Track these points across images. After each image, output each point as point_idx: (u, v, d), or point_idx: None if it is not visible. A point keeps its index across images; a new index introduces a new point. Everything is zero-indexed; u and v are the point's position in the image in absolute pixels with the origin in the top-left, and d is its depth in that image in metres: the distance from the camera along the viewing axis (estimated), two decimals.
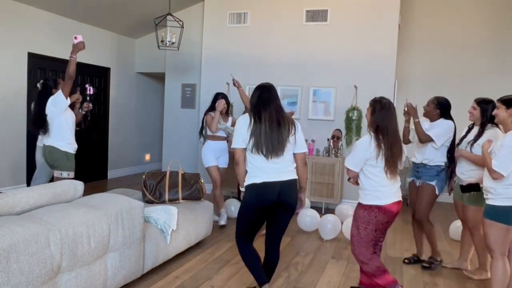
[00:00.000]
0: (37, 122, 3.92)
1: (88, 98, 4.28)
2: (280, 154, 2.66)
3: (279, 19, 6.14)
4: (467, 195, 3.42)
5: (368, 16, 5.72)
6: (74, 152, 4.04)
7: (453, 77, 6.58)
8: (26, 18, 5.59)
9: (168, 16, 5.94)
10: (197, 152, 6.81)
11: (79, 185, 2.86)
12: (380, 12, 5.66)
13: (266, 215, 2.78)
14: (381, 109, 2.78)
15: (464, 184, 3.36)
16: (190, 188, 3.96)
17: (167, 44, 5.98)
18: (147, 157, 8.53)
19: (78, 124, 4.25)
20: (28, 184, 5.78)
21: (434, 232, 3.76)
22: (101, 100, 7.17)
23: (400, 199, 2.82)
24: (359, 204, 2.85)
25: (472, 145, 3.33)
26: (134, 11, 6.55)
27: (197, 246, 4.03)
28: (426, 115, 3.77)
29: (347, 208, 4.99)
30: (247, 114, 2.75)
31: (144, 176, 3.90)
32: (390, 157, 2.71)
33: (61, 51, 6.17)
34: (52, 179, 4.05)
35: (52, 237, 2.25)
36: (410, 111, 3.68)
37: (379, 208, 2.74)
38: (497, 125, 3.26)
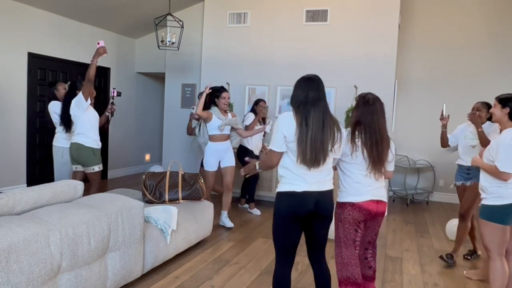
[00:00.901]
0: (64, 121, 4.23)
1: (112, 100, 4.53)
2: (322, 163, 2.33)
3: (279, 19, 6.14)
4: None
5: (368, 16, 5.72)
6: (99, 148, 4.26)
7: (454, 77, 6.58)
8: (26, 18, 5.59)
9: (168, 16, 5.94)
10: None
11: (79, 185, 2.86)
12: (380, 12, 5.66)
13: (302, 226, 2.45)
14: (364, 104, 2.65)
15: None
16: (190, 188, 3.96)
17: (167, 44, 5.98)
18: (147, 157, 8.53)
19: (102, 126, 4.49)
20: (28, 184, 5.79)
21: (468, 232, 3.89)
22: (101, 100, 7.17)
23: (380, 199, 2.61)
24: (336, 203, 2.66)
25: None
26: (134, 11, 6.55)
27: (197, 246, 4.03)
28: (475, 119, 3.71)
29: None
30: (291, 113, 2.36)
31: (144, 176, 3.90)
32: (376, 156, 2.52)
33: (61, 51, 6.18)
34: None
35: (52, 237, 2.26)
36: (474, 120, 3.64)
37: (352, 205, 2.56)
38: None
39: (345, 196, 2.61)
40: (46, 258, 2.21)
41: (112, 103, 4.54)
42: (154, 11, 6.40)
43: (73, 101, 4.06)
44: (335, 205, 2.66)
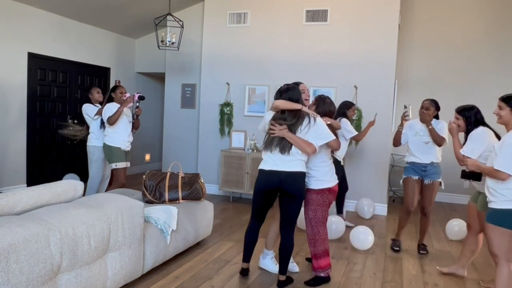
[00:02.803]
0: (102, 121, 4.76)
1: (138, 104, 4.83)
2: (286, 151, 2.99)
3: (279, 19, 6.14)
4: (481, 201, 3.26)
5: (368, 16, 5.72)
6: (122, 147, 4.69)
7: (453, 76, 6.58)
8: (26, 18, 5.59)
9: (168, 16, 5.94)
10: (197, 152, 6.82)
11: (79, 185, 2.85)
12: (380, 12, 5.66)
13: (270, 199, 3.13)
14: (323, 105, 3.33)
15: (466, 170, 3.07)
16: (190, 188, 3.96)
17: (167, 44, 5.98)
18: (147, 157, 8.53)
19: (137, 128, 4.97)
20: (28, 184, 5.79)
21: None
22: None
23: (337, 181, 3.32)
24: (311, 190, 3.18)
25: None
26: (134, 11, 6.55)
27: (197, 246, 4.03)
28: (424, 117, 3.93)
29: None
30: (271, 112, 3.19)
31: (144, 177, 3.90)
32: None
33: (61, 51, 6.18)
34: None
35: (52, 237, 2.25)
36: (424, 119, 3.88)
37: (329, 190, 3.19)
38: (486, 125, 3.23)
39: (322, 183, 3.16)
40: (46, 258, 2.21)
41: (137, 107, 4.84)
42: (154, 11, 6.40)
43: (103, 111, 4.63)
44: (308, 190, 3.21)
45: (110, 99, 4.74)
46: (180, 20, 5.99)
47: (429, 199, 4.00)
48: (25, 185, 5.77)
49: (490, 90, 6.27)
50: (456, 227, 4.55)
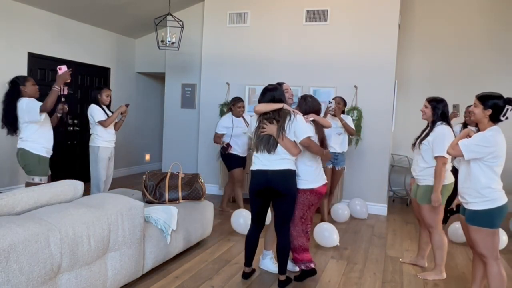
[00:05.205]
0: (7, 123, 3.85)
1: (63, 99, 4.13)
2: (271, 150, 3.03)
3: (279, 19, 6.14)
4: (419, 193, 3.41)
5: (368, 16, 5.72)
6: (48, 156, 3.97)
7: (453, 76, 6.58)
8: (26, 18, 5.59)
9: (168, 16, 5.94)
10: (197, 152, 6.82)
11: (79, 185, 2.86)
12: (380, 12, 5.66)
13: (265, 201, 3.14)
14: (305, 104, 3.31)
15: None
16: (190, 188, 3.96)
17: (167, 44, 5.98)
18: (147, 157, 8.53)
19: (55, 127, 4.18)
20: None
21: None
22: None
23: (326, 181, 3.31)
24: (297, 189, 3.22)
25: (421, 142, 3.40)
26: (134, 11, 6.55)
27: (197, 246, 4.03)
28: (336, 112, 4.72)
29: (342, 208, 5.19)
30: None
31: (144, 177, 3.90)
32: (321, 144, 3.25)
33: (61, 51, 6.18)
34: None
35: (52, 237, 2.26)
36: (338, 113, 4.71)
37: (311, 191, 3.17)
38: (448, 123, 3.36)
39: (304, 183, 3.15)
40: (46, 258, 2.21)
41: (64, 102, 4.18)
42: (154, 11, 6.40)
43: (24, 105, 3.71)
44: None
45: (18, 92, 3.79)
46: (180, 20, 5.99)
47: (337, 182, 5.04)
48: (25, 185, 5.76)
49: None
50: (460, 230, 4.51)
